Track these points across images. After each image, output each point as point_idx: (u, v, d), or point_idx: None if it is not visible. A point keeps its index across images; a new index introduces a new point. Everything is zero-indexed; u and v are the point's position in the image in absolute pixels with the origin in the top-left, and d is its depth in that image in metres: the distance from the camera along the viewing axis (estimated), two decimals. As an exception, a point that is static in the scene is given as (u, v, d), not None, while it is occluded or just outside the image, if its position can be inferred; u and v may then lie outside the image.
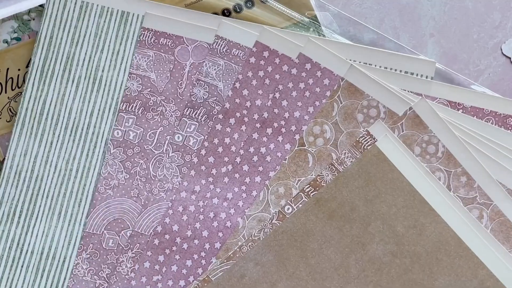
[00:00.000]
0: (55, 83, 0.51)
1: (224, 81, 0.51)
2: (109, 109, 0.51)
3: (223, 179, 0.51)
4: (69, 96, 0.51)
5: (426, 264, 0.50)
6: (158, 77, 0.51)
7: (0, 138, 0.52)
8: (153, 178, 0.51)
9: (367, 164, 0.50)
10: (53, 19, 0.51)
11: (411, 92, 0.51)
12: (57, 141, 0.51)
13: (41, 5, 0.51)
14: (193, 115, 0.51)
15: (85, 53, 0.51)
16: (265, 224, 0.50)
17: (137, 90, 0.51)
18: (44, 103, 0.51)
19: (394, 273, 0.50)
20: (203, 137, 0.51)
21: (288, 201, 0.50)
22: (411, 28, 0.55)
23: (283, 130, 0.50)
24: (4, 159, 0.51)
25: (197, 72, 0.50)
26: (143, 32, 0.50)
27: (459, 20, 0.55)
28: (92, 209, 0.50)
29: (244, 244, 0.50)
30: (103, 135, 0.51)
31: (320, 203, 0.50)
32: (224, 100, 0.51)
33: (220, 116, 0.51)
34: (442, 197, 0.49)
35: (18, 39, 0.51)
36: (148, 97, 0.51)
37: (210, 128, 0.51)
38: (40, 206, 0.51)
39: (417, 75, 0.51)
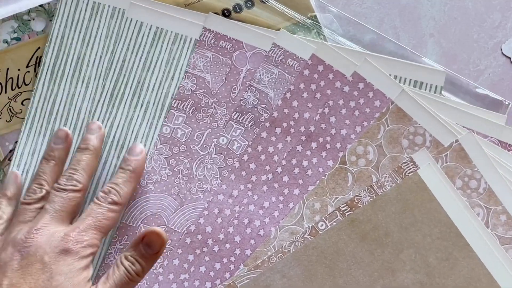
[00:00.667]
0: (65, 83, 0.52)
1: (275, 90, 0.51)
2: (154, 117, 0.52)
3: (262, 187, 0.51)
4: (78, 96, 0.52)
5: None
6: (213, 79, 0.51)
7: (0, 138, 0.52)
8: (193, 177, 0.51)
9: (406, 190, 0.50)
10: (64, 19, 0.52)
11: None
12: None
13: (41, 5, 0.52)
14: (240, 119, 0.51)
15: (96, 54, 0.52)
16: (297, 238, 0.51)
17: (191, 89, 0.51)
18: (54, 103, 0.52)
19: None
20: (247, 142, 0.51)
21: (323, 218, 0.51)
22: (411, 28, 0.55)
23: (328, 146, 0.50)
24: (4, 159, 0.52)
25: (251, 78, 0.51)
26: (204, 33, 0.51)
27: (459, 20, 0.55)
28: (131, 201, 0.51)
29: (273, 254, 0.51)
30: (151, 143, 0.52)
31: (355, 223, 0.50)
32: (273, 109, 0.51)
33: (267, 124, 0.51)
34: (479, 233, 0.49)
35: (18, 39, 0.52)
36: (201, 97, 0.51)
37: (255, 135, 0.51)
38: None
39: (426, 84, 0.51)
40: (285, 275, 0.50)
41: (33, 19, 0.52)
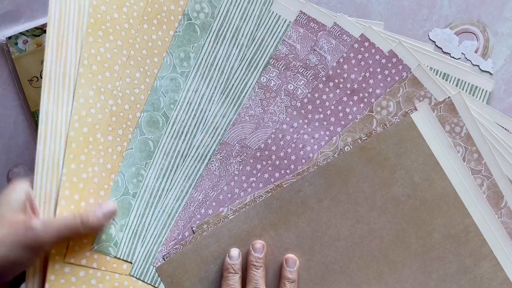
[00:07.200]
0: (225, 45, 0.74)
1: (332, 56, 0.75)
2: (258, 71, 0.74)
3: (315, 123, 0.74)
4: (233, 57, 0.74)
5: (430, 207, 0.68)
6: (302, 48, 0.74)
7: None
8: (266, 111, 0.75)
9: (402, 128, 0.69)
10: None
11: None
12: (220, 87, 0.74)
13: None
14: (304, 73, 0.75)
15: (249, 28, 0.75)
16: (328, 156, 0.71)
17: (285, 53, 0.74)
18: (215, 58, 0.74)
19: (406, 209, 0.68)
20: (307, 90, 0.75)
21: (348, 143, 0.71)
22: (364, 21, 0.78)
23: (365, 100, 0.74)
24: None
25: (315, 45, 0.75)
26: (300, 14, 0.74)
27: (398, 14, 0.78)
28: (232, 126, 0.73)
29: (311, 166, 0.71)
30: (249, 88, 0.75)
31: (364, 150, 0.69)
32: (328, 68, 0.75)
33: (324, 79, 0.75)
34: (451, 161, 0.68)
35: None
36: (291, 60, 0.74)
37: (314, 85, 0.75)
38: (201, 130, 0.73)
39: (476, 87, 0.74)
40: (312, 183, 0.69)
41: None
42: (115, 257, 0.68)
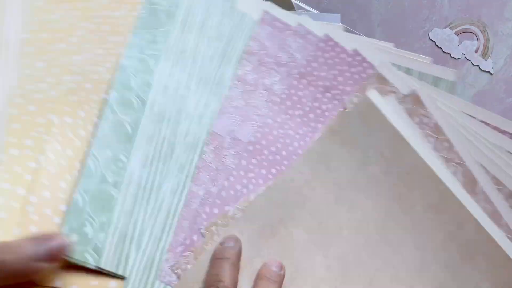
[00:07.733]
0: (193, 36, 0.70)
1: (301, 54, 0.74)
2: (232, 63, 0.71)
3: (296, 119, 0.70)
4: (203, 47, 0.70)
5: (406, 180, 0.70)
6: (271, 46, 0.72)
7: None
8: (248, 104, 0.69)
9: (362, 108, 0.71)
10: None
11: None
12: (195, 75, 0.68)
13: None
14: (278, 69, 0.72)
15: (215, 23, 0.72)
16: None
17: (256, 49, 0.71)
18: (184, 45, 0.69)
19: (386, 186, 0.69)
20: (284, 86, 0.71)
21: None
22: (364, 21, 0.84)
23: (338, 97, 0.73)
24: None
25: (283, 43, 0.73)
26: (266, 13, 0.74)
27: (398, 15, 0.84)
28: (220, 115, 0.67)
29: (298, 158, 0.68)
30: (227, 79, 0.70)
31: (333, 133, 0.70)
32: (300, 66, 0.73)
33: (297, 76, 0.73)
34: (413, 132, 0.72)
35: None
36: (263, 56, 0.71)
37: (289, 82, 0.72)
38: (185, 118, 0.66)
39: (440, 78, 0.78)
40: (300, 171, 0.68)
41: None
42: (96, 268, 0.53)
